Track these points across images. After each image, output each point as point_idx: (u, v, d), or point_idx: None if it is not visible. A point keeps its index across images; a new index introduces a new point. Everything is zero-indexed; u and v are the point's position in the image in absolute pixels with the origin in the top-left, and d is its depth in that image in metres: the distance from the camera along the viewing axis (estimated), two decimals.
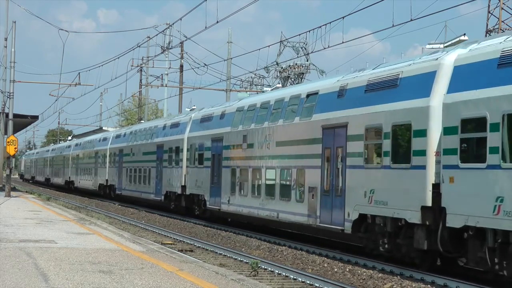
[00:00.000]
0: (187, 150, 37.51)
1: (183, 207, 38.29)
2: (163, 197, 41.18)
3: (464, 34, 20.50)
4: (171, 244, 24.49)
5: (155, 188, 43.05)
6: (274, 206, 26.19)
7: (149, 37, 62.37)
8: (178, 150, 38.89)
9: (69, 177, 72.75)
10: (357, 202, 20.47)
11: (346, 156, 21.37)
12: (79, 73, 53.80)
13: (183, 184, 37.62)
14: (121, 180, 51.91)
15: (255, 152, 28.40)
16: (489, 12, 52.30)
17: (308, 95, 24.61)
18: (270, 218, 26.64)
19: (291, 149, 25.36)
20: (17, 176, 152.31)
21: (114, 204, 51.02)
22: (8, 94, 47.59)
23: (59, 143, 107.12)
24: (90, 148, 64.05)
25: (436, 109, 17.46)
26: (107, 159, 56.15)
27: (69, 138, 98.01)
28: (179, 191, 38.44)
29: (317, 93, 23.98)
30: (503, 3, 51.49)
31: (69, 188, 72.87)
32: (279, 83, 53.05)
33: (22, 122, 57.89)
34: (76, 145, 72.46)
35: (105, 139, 59.00)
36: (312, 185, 23.38)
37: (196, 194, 35.67)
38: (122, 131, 57.28)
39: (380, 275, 18.06)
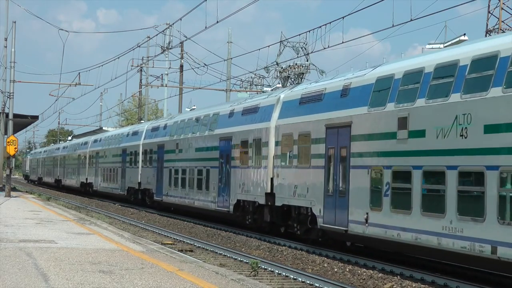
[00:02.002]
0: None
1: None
2: (232, 208, 30.39)
3: (464, 34, 20.50)
4: (171, 244, 24.50)
5: (217, 195, 32.47)
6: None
7: (149, 37, 62.33)
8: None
9: (86, 179, 64.59)
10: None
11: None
12: (79, 73, 53.87)
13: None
14: (160, 183, 42.22)
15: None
16: (489, 12, 52.30)
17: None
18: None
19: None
20: (17, 176, 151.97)
21: (114, 204, 51.06)
22: (8, 94, 47.60)
23: (59, 143, 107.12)
24: (114, 144, 55.58)
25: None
26: (140, 158, 47.18)
27: (69, 138, 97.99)
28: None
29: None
30: (503, 3, 51.49)
31: (86, 191, 64.91)
32: (279, 83, 53.06)
33: (22, 122, 57.87)
34: (95, 141, 64.12)
35: (135, 133, 50.78)
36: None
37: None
38: (161, 122, 46.50)
39: (380, 275, 18.07)
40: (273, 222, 27.26)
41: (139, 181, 46.31)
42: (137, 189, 46.96)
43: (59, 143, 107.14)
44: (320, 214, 22.64)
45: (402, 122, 18.60)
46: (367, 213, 19.86)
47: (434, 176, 17.37)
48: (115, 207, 48.29)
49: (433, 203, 17.16)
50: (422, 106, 17.95)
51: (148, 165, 44.44)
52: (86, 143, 67.36)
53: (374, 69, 21.19)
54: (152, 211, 41.96)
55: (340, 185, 21.58)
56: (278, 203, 26.05)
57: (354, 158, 20.85)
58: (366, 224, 19.89)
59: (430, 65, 18.02)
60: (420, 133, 17.96)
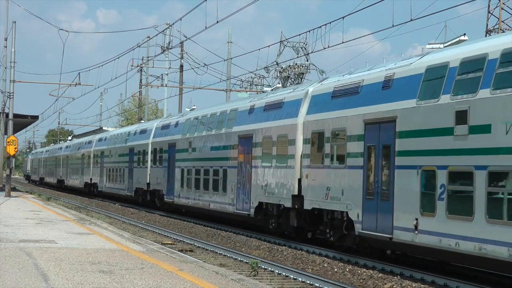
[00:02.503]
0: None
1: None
2: (253, 211, 28.27)
3: (464, 34, 20.48)
4: (171, 244, 24.50)
5: (236, 197, 30.15)
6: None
7: (149, 37, 62.35)
8: None
9: (90, 179, 62.59)
10: None
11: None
12: (79, 73, 53.85)
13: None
14: (171, 183, 39.08)
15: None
16: (489, 12, 52.31)
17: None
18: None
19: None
20: (17, 176, 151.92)
21: (114, 204, 51.04)
22: (8, 94, 47.60)
23: (59, 143, 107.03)
24: (121, 143, 52.84)
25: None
26: (149, 157, 44.31)
27: (69, 138, 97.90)
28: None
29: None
30: (503, 3, 51.49)
31: (90, 192, 63.21)
32: (279, 83, 53.05)
33: (22, 122, 57.87)
34: (100, 140, 61.48)
35: (144, 131, 47.35)
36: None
37: None
38: (172, 119, 42.97)
39: (380, 275, 18.07)
40: (300, 227, 24.96)
41: (148, 181, 44.12)
42: (146, 190, 44.82)
43: (59, 143, 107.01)
44: (358, 219, 20.42)
45: (461, 116, 16.41)
46: (416, 219, 17.60)
47: (503, 178, 15.25)
48: (115, 207, 48.27)
49: (502, 209, 15.16)
50: (486, 97, 15.74)
51: (158, 164, 42.25)
52: (90, 142, 65.41)
53: (421, 57, 19.09)
54: (153, 211, 41.94)
55: (383, 187, 19.35)
56: (307, 206, 23.70)
57: (399, 157, 18.59)
58: (416, 231, 17.59)
59: (495, 50, 15.99)
60: (485, 129, 15.80)
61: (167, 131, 41.28)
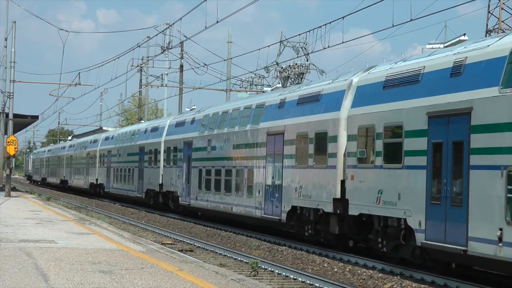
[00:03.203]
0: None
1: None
2: (285, 216, 25.48)
3: (464, 34, 20.50)
4: (171, 244, 24.50)
5: (264, 201, 27.36)
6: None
7: (149, 37, 62.40)
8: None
9: (96, 179, 60.38)
10: None
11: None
12: (79, 73, 53.89)
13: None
14: (187, 185, 36.66)
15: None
16: (489, 12, 52.31)
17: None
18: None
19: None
20: (17, 176, 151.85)
21: (114, 204, 51.04)
22: (8, 94, 47.61)
23: (59, 142, 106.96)
24: (130, 142, 50.42)
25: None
26: (161, 156, 41.49)
27: (69, 138, 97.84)
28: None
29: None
30: (503, 3, 51.49)
31: (96, 193, 60.89)
32: (279, 83, 53.07)
33: (22, 122, 57.89)
34: (107, 139, 58.81)
35: (155, 129, 44.82)
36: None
37: None
38: (187, 116, 39.80)
39: (380, 275, 18.07)
40: (342, 235, 22.27)
41: (161, 182, 41.33)
42: (158, 191, 41.94)
43: (59, 143, 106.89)
44: (419, 227, 17.60)
45: None
46: (501, 229, 14.87)
47: None
48: (115, 207, 48.26)
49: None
50: None
51: (171, 164, 39.38)
52: (96, 141, 62.84)
53: (500, 38, 16.45)
54: (153, 211, 41.94)
55: (453, 190, 16.56)
56: (353, 211, 20.79)
57: (475, 156, 15.94)
58: (500, 244, 14.87)
59: None
60: None
61: (182, 129, 38.59)
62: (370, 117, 20.19)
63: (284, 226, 25.90)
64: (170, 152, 39.81)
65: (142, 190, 45.44)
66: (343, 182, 21.50)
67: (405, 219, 18.22)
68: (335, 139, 22.09)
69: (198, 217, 36.00)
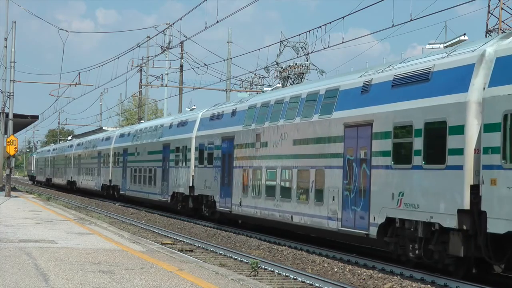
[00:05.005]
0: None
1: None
2: (376, 230, 20.10)
3: (464, 34, 20.50)
4: (171, 244, 24.50)
5: (340, 210, 21.96)
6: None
7: (149, 37, 62.46)
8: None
9: (110, 181, 55.46)
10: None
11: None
12: (79, 73, 53.92)
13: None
14: (227, 188, 31.31)
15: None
16: (489, 12, 52.35)
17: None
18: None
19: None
20: (17, 176, 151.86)
21: (114, 203, 51.03)
22: (8, 94, 47.62)
23: (59, 142, 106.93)
24: (151, 138, 45.08)
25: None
26: (192, 154, 36.74)
27: (69, 138, 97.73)
28: None
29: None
30: (503, 3, 51.53)
31: (109, 195, 56.13)
32: (279, 83, 53.11)
33: (22, 122, 57.91)
34: (122, 135, 54.10)
35: (183, 123, 39.63)
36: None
37: None
38: (226, 107, 34.37)
39: (380, 275, 18.06)
40: (467, 258, 17.04)
41: (191, 185, 35.93)
42: (187, 195, 36.59)
43: (59, 143, 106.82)
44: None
45: None
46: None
47: None
48: (115, 207, 48.25)
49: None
50: None
51: (206, 164, 33.99)
52: (108, 138, 57.64)
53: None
54: (153, 211, 41.91)
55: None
56: (496, 228, 15.29)
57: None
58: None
59: None
60: None
61: (219, 122, 33.21)
62: None
63: (374, 243, 21.11)
64: (204, 150, 34.53)
65: (167, 193, 40.00)
66: (473, 188, 16.33)
67: None
68: (459, 130, 16.81)
69: (238, 225, 31.29)
